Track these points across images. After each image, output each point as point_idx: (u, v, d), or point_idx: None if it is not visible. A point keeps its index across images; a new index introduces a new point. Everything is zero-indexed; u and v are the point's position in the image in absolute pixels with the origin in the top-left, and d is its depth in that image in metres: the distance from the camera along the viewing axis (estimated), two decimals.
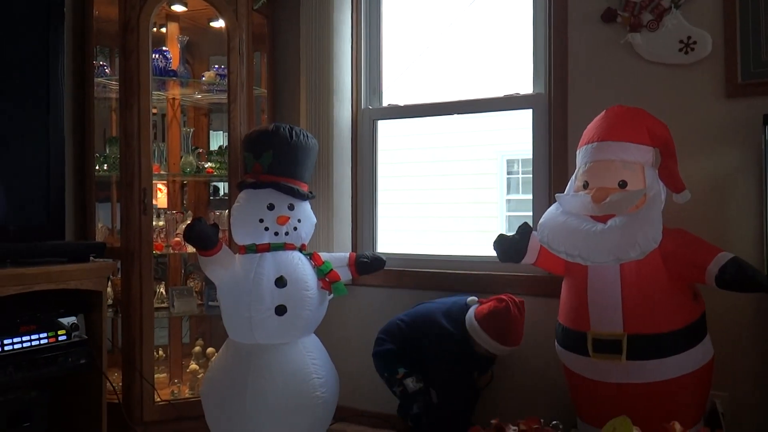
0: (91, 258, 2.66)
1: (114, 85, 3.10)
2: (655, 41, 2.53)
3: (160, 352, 3.42)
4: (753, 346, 2.40)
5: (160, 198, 3.43)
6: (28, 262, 2.42)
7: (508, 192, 8.06)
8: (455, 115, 3.16)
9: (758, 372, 2.39)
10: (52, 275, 2.42)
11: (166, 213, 3.27)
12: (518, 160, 7.55)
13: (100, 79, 3.12)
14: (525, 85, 2.92)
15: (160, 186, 3.43)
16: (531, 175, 2.91)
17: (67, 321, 2.50)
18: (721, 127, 2.44)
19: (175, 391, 3.18)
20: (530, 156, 2.89)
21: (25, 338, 2.35)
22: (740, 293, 2.21)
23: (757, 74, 2.40)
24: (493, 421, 0.85)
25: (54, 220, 2.69)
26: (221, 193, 4.32)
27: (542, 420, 0.84)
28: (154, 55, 3.03)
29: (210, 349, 3.31)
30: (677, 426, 0.82)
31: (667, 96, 2.51)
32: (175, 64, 3.18)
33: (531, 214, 2.86)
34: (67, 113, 2.90)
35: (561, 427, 0.83)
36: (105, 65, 3.21)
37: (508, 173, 8.12)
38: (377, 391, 3.06)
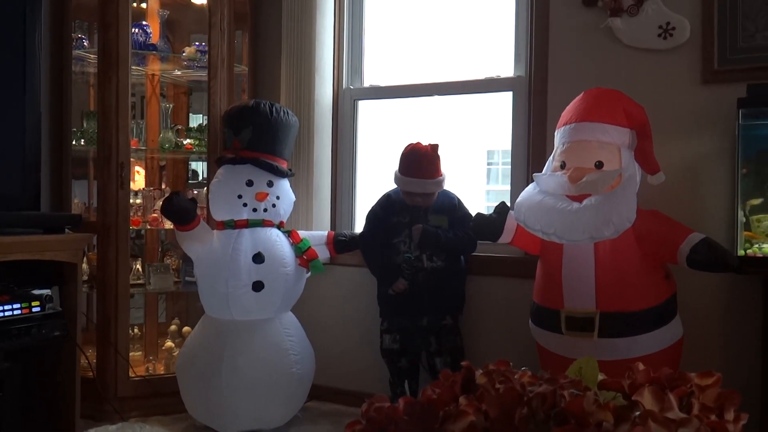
0: (67, 230, 2.63)
1: (92, 59, 3.06)
2: (634, 26, 2.56)
3: (136, 331, 3.40)
4: (722, 326, 2.45)
5: (138, 181, 3.40)
6: (2, 231, 2.38)
7: (488, 182, 8.09)
8: (436, 98, 3.17)
9: (726, 352, 2.44)
10: (27, 245, 2.40)
11: (143, 190, 3.24)
12: (498, 151, 7.59)
13: (78, 52, 3.09)
14: (506, 68, 2.93)
15: (138, 169, 3.40)
16: (510, 165, 2.93)
17: (41, 293, 2.47)
18: (696, 111, 2.48)
19: (150, 369, 3.17)
20: (510, 147, 2.91)
21: None
22: (711, 273, 2.26)
23: (734, 61, 2.43)
24: (463, 363, 0.87)
25: (29, 191, 2.66)
26: (200, 177, 4.29)
27: (511, 364, 0.86)
28: (133, 29, 3.00)
29: (186, 328, 3.30)
30: (640, 365, 0.85)
31: (645, 80, 2.54)
32: (155, 38, 3.15)
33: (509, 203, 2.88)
34: (44, 86, 2.87)
35: (529, 371, 0.85)
36: (84, 38, 3.17)
37: (488, 164, 8.16)
38: (352, 369, 3.08)
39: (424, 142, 2.66)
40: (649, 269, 2.23)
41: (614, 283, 2.20)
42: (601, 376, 0.87)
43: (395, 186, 2.74)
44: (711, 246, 2.14)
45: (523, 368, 0.86)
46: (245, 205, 2.69)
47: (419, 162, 2.62)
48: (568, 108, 2.38)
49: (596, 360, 2.03)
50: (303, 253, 2.74)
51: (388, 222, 2.71)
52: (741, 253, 2.22)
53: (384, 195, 2.80)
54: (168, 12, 3.25)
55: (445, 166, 2.69)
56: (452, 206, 2.70)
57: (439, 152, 2.65)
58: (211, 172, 2.98)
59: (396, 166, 2.70)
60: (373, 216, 2.79)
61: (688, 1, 2.49)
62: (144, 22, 3.17)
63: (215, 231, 2.74)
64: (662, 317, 2.24)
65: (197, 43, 3.24)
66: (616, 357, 2.19)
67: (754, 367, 2.28)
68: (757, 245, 2.23)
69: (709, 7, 2.45)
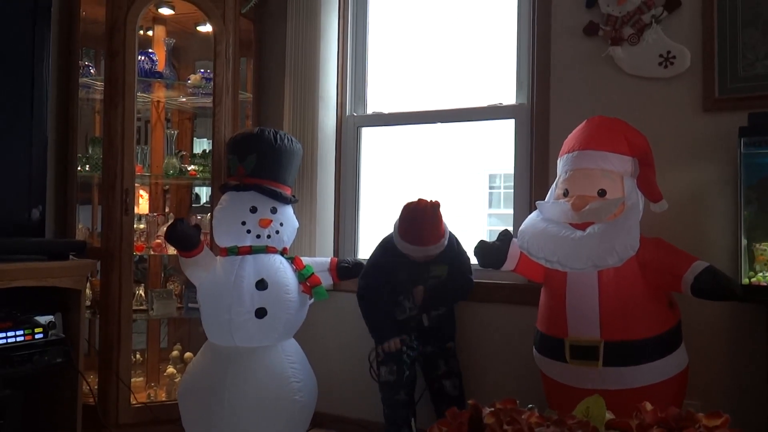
0: (71, 257, 2.64)
1: (99, 86, 3.09)
2: (635, 55, 2.58)
3: (138, 356, 3.39)
4: (727, 355, 2.44)
5: (142, 204, 3.42)
6: (7, 258, 2.39)
7: (490, 206, 8.11)
8: (438, 125, 3.19)
9: (732, 381, 2.43)
10: (31, 272, 2.40)
11: (147, 216, 3.25)
12: (500, 175, 7.61)
13: (85, 79, 3.12)
14: (508, 96, 2.96)
15: (141, 192, 3.42)
16: (513, 190, 2.94)
17: (44, 319, 2.48)
18: (698, 140, 2.49)
19: (152, 395, 3.15)
20: (512, 171, 2.92)
21: (0, 335, 2.32)
22: (715, 302, 2.25)
23: (734, 89, 2.45)
24: (469, 402, 0.87)
25: (34, 218, 2.67)
26: (203, 201, 4.31)
27: (518, 402, 0.86)
28: (140, 57, 3.03)
29: (188, 354, 3.29)
30: (648, 405, 0.85)
31: (647, 109, 2.56)
32: (161, 66, 3.18)
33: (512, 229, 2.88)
34: (50, 113, 2.90)
35: (536, 410, 0.84)
36: (90, 65, 3.20)
37: (490, 188, 8.18)
38: (355, 397, 3.06)
39: (426, 198, 2.51)
40: (653, 298, 2.22)
41: (618, 311, 2.19)
42: (608, 415, 0.87)
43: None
44: (715, 274, 2.13)
45: (530, 406, 0.86)
46: (249, 231, 2.69)
47: (420, 230, 2.50)
48: (570, 136, 2.40)
49: (602, 391, 2.02)
50: (306, 279, 2.73)
51: (388, 277, 2.66)
52: (745, 281, 2.21)
53: (380, 246, 2.73)
54: (174, 40, 3.29)
55: (447, 223, 2.58)
56: (453, 254, 2.62)
57: (441, 210, 2.52)
58: (215, 198, 2.99)
59: (396, 222, 2.59)
60: (372, 269, 2.73)
61: (689, 30, 2.52)
62: (150, 50, 3.20)
63: (218, 257, 2.74)
64: (667, 346, 2.23)
65: (202, 71, 3.27)
66: (621, 386, 2.18)
67: (761, 395, 2.27)
68: (761, 274, 2.23)
69: (710, 36, 2.48)
